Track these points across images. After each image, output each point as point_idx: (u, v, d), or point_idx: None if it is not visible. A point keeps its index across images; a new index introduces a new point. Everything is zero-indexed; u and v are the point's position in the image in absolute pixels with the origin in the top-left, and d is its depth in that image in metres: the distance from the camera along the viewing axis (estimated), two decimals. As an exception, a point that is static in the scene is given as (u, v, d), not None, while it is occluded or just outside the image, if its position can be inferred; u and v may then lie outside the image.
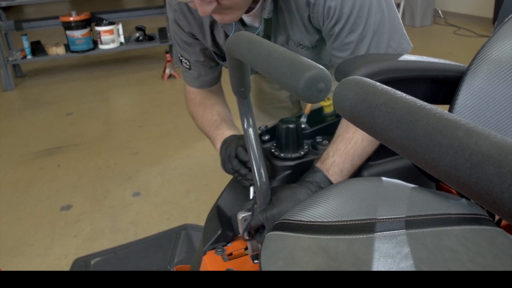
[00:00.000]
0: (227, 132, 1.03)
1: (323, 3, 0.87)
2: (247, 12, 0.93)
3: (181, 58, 1.15)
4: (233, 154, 0.93)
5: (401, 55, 0.92)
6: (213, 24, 1.01)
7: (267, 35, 0.98)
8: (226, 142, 0.99)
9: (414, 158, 0.32)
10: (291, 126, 0.93)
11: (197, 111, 1.15)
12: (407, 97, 0.34)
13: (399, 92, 0.35)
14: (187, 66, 1.14)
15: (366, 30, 0.89)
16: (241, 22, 0.98)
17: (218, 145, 1.03)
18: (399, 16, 0.96)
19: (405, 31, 0.96)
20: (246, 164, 0.92)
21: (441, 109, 0.32)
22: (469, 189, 0.27)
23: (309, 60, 0.49)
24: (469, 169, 0.27)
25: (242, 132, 1.02)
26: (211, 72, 1.15)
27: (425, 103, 0.33)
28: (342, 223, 0.69)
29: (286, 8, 0.92)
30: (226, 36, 1.01)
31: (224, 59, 1.10)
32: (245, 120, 0.79)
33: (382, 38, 0.91)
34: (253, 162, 0.80)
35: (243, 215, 0.86)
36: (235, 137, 1.00)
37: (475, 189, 0.27)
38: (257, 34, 0.95)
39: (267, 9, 0.91)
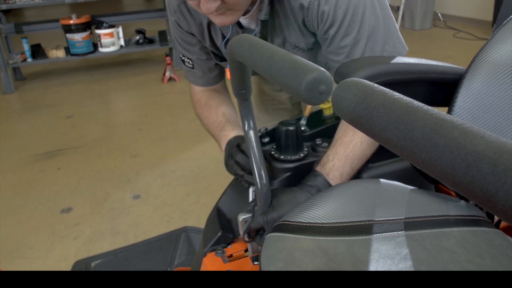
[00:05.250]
0: (231, 134, 1.04)
1: (317, 7, 0.88)
2: (244, 14, 0.94)
3: (183, 58, 1.15)
4: (230, 156, 0.95)
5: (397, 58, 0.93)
6: (210, 25, 1.02)
7: (263, 37, 0.99)
8: (229, 143, 1.00)
9: (411, 158, 0.32)
10: (290, 128, 0.93)
11: (203, 112, 1.16)
12: (405, 98, 0.34)
13: (397, 94, 0.36)
14: (190, 65, 1.14)
15: (360, 34, 0.90)
16: (238, 24, 0.98)
17: (223, 146, 1.03)
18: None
19: (400, 34, 0.97)
20: (242, 166, 0.93)
21: (438, 110, 0.32)
22: (465, 188, 0.28)
23: (310, 62, 0.50)
24: (464, 168, 0.27)
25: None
26: (215, 69, 1.16)
27: (422, 104, 0.33)
28: (342, 225, 0.69)
29: (282, 11, 0.93)
30: (223, 37, 1.02)
31: (221, 60, 1.11)
32: (246, 122, 0.79)
33: (377, 41, 0.92)
34: (254, 164, 0.80)
35: (244, 216, 0.86)
36: (237, 138, 1.00)
37: (470, 187, 0.27)
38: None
39: (263, 11, 0.91)
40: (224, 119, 1.10)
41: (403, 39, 0.97)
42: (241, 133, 1.04)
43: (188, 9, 1.00)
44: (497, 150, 0.26)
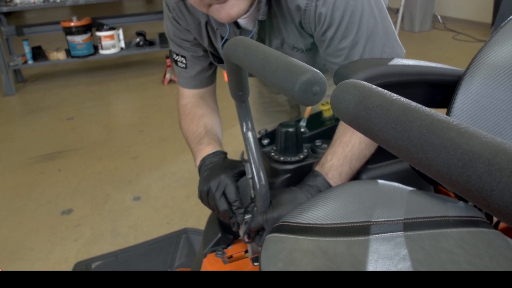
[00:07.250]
0: (206, 149, 1.01)
1: (314, 9, 0.87)
2: None
3: (176, 57, 1.13)
4: (220, 193, 0.88)
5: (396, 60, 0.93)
6: (208, 24, 1.02)
7: (261, 38, 0.98)
8: (206, 168, 0.96)
9: (408, 158, 0.32)
10: (290, 130, 0.93)
11: (185, 120, 1.13)
12: (402, 99, 0.35)
13: (395, 95, 0.36)
14: (183, 65, 1.12)
15: (359, 36, 0.89)
16: (236, 24, 0.98)
17: (197, 162, 1.01)
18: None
19: (397, 37, 0.97)
20: (232, 205, 0.88)
21: (435, 111, 0.33)
22: (461, 187, 0.28)
23: (304, 63, 0.50)
24: (460, 168, 0.28)
25: (223, 148, 1.02)
26: (208, 69, 1.14)
27: (420, 105, 0.34)
28: (341, 225, 0.70)
29: (279, 11, 0.93)
30: (221, 38, 1.01)
31: (219, 61, 1.10)
32: (244, 123, 0.80)
33: (376, 43, 0.91)
34: (252, 165, 0.80)
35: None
36: (213, 157, 0.98)
37: (466, 187, 0.28)
38: (251, 37, 0.96)
39: (261, 11, 0.91)
40: (203, 131, 1.07)
41: (399, 41, 0.98)
42: (217, 148, 1.02)
43: (186, 7, 0.99)
44: (493, 150, 0.26)
